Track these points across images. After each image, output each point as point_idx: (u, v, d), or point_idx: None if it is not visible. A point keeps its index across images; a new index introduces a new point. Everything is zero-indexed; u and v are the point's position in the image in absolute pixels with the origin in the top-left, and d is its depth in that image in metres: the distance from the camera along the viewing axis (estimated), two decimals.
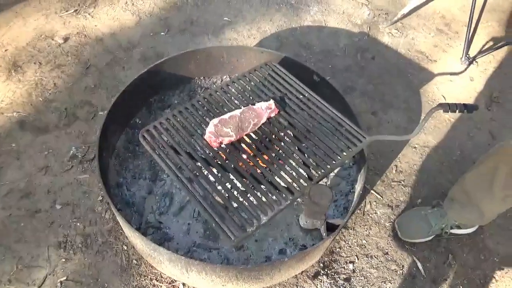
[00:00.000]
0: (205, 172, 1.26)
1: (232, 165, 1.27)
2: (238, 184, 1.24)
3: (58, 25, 2.18)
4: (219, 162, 1.26)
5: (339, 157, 1.29)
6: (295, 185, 1.22)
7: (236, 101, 1.44)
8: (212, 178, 1.25)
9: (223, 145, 1.30)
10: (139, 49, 2.11)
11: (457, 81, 2.17)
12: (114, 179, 1.55)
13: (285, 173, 1.25)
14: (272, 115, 1.38)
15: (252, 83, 1.50)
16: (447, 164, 1.82)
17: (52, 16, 2.22)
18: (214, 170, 1.26)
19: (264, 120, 1.36)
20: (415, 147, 1.87)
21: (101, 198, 1.59)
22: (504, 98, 2.09)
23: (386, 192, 1.72)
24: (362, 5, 2.49)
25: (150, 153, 1.26)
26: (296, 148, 1.32)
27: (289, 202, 1.18)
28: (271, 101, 1.40)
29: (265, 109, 1.38)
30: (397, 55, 2.26)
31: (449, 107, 1.23)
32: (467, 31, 2.21)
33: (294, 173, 1.25)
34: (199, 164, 1.27)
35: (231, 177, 1.24)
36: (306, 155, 1.32)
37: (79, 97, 1.90)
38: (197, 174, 1.25)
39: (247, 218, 1.13)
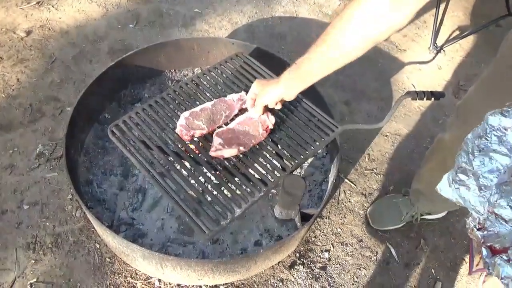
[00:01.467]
0: (177, 166, 1.24)
1: (205, 158, 1.25)
2: (212, 177, 1.23)
3: (19, 18, 2.09)
4: (191, 156, 1.25)
5: (312, 147, 1.30)
6: (269, 176, 1.22)
7: (207, 94, 1.42)
8: (184, 172, 1.23)
9: (195, 138, 1.28)
10: (107, 41, 2.05)
11: (426, 69, 2.22)
12: (84, 176, 1.51)
13: (259, 165, 1.25)
14: (244, 106, 1.37)
15: (223, 75, 1.48)
16: (417, 151, 1.86)
17: (13, 9, 2.12)
18: (187, 164, 1.24)
19: (236, 112, 1.35)
20: (386, 135, 1.90)
21: (71, 196, 1.54)
22: (470, 85, 2.15)
23: (360, 180, 1.74)
24: None
25: (120, 149, 1.23)
26: (269, 139, 1.32)
27: (262, 193, 1.18)
28: (242, 93, 1.38)
29: (237, 100, 1.36)
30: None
31: (417, 95, 1.25)
32: (434, 21, 2.25)
33: (267, 165, 1.25)
34: (171, 158, 1.25)
35: (204, 170, 1.23)
36: (279, 146, 1.31)
37: (44, 93, 1.83)
38: (169, 168, 1.23)
39: (221, 212, 1.12)
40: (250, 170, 1.23)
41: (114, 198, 1.48)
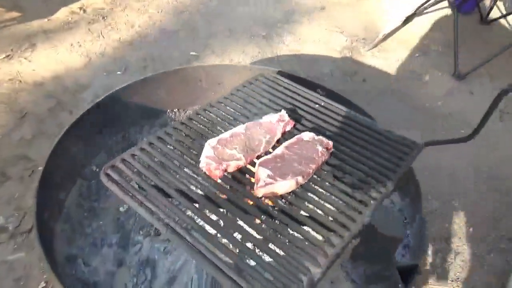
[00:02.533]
0: (211, 216, 0.83)
1: (248, 200, 0.86)
2: (264, 226, 0.82)
3: None
4: (228, 199, 0.85)
5: (392, 171, 0.93)
6: (347, 215, 0.82)
7: (233, 118, 1.07)
8: (221, 222, 0.83)
9: (227, 174, 0.90)
10: (91, 90, 1.71)
11: (457, 95, 1.97)
12: (64, 252, 1.06)
13: (326, 201, 0.86)
14: (288, 128, 1.02)
15: (250, 96, 1.14)
16: None
17: None
18: (223, 211, 0.84)
19: (278, 136, 0.99)
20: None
21: (44, 284, 1.07)
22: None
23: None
24: (336, 33, 2.31)
25: (120, 197, 0.83)
26: (329, 166, 0.94)
27: (346, 241, 0.78)
28: (283, 112, 1.04)
29: (277, 122, 1.01)
30: (388, 76, 2.04)
31: None
32: (455, 47, 2.08)
33: (338, 200, 0.86)
34: (198, 205, 0.85)
35: (251, 216, 0.83)
36: (345, 172, 0.94)
37: (11, 152, 1.43)
38: (198, 219, 0.83)
39: (291, 276, 0.71)
40: (317, 210, 0.84)
41: (110, 279, 1.02)
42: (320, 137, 0.97)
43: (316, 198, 0.86)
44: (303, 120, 1.07)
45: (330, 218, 0.83)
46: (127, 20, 2.16)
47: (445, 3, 2.62)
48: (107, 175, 0.88)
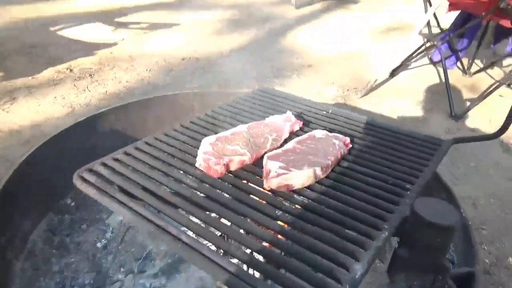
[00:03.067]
0: (223, 220, 0.66)
1: (260, 198, 0.69)
2: (282, 224, 0.65)
3: None
4: (236, 198, 0.69)
5: (422, 168, 0.79)
6: (383, 206, 0.66)
7: (232, 122, 0.94)
8: (228, 226, 0.65)
9: (229, 174, 0.74)
10: None
11: (458, 133, 1.90)
12: None
13: (353, 196, 0.70)
14: (296, 128, 0.89)
15: (246, 106, 1.03)
16: None
17: None
18: (229, 214, 0.67)
19: (286, 134, 0.86)
20: None
21: None
22: None
23: None
24: (327, 85, 2.31)
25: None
26: (351, 167, 0.80)
27: (387, 232, 0.61)
28: (289, 112, 0.92)
29: (283, 121, 0.89)
30: (387, 119, 1.98)
31: None
32: (448, 92, 2.09)
33: (367, 195, 0.71)
34: (195, 205, 0.68)
35: (268, 213, 0.66)
36: (371, 170, 0.79)
37: None
38: (207, 225, 0.65)
39: (332, 273, 0.53)
40: (344, 205, 0.68)
41: None
42: (335, 133, 0.84)
43: (340, 194, 0.70)
44: (311, 124, 0.95)
45: (361, 213, 0.66)
46: (115, 77, 2.12)
47: (426, 60, 2.73)
48: (82, 178, 0.71)
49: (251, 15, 3.61)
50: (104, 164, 0.75)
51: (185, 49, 2.59)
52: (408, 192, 0.70)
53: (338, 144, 0.79)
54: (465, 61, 2.60)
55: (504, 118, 0.84)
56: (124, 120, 1.23)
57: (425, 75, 2.56)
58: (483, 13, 1.99)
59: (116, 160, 0.77)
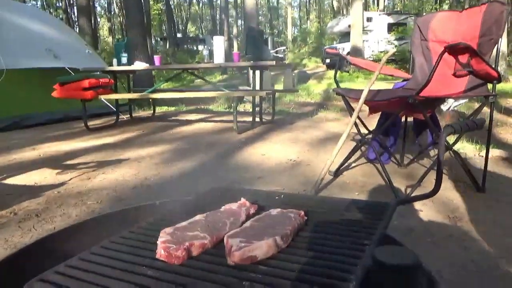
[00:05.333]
0: None
1: (225, 276, 0.67)
2: None
3: None
4: (206, 280, 0.66)
5: (379, 224, 0.83)
6: (344, 266, 0.68)
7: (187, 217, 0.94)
8: None
9: (191, 259, 0.73)
10: None
11: (409, 212, 2.00)
12: None
13: (315, 258, 0.71)
14: (252, 211, 0.92)
15: (200, 202, 1.05)
16: None
17: None
18: None
19: (243, 218, 0.88)
20: None
21: None
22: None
23: None
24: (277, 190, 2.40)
25: None
26: (312, 236, 0.82)
27: (355, 281, 0.61)
28: (242, 199, 0.95)
29: (238, 207, 0.92)
30: None
31: (460, 128, 1.00)
32: (388, 181, 2.24)
33: (327, 255, 0.72)
34: None
35: None
36: (327, 239, 0.81)
37: None
38: None
39: None
40: (308, 267, 0.68)
41: None
42: (290, 209, 0.88)
43: (305, 258, 0.71)
44: (266, 208, 0.98)
45: (328, 270, 0.67)
46: (63, 213, 2.06)
47: (363, 159, 2.99)
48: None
49: (197, 143, 3.83)
50: (58, 272, 0.71)
51: (135, 179, 2.63)
52: (367, 247, 0.73)
53: (293, 216, 0.82)
54: (397, 155, 2.88)
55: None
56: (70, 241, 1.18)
57: (365, 171, 2.77)
58: (397, 111, 2.30)
59: (71, 266, 0.73)
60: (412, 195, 2.22)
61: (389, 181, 2.25)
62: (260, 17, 35.22)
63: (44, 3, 30.20)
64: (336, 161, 2.66)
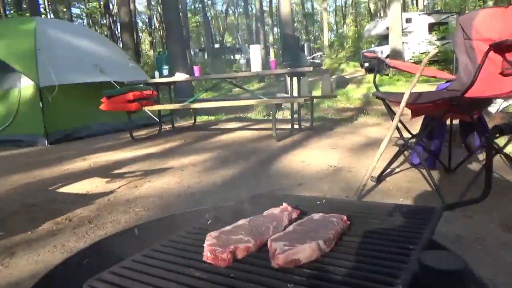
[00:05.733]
0: None
1: (268, 278, 0.69)
2: None
3: None
4: (252, 281, 0.69)
5: (424, 229, 0.82)
6: (388, 270, 0.68)
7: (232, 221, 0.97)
8: None
9: (236, 262, 0.76)
10: None
11: (457, 218, 1.93)
12: None
13: (358, 261, 0.71)
14: (294, 216, 0.93)
15: (243, 208, 1.08)
16: None
17: None
18: None
19: (286, 222, 0.90)
20: None
21: None
22: None
23: None
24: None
25: None
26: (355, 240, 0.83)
27: (401, 286, 0.61)
28: (284, 204, 0.97)
29: (280, 211, 0.94)
30: None
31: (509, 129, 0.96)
32: (433, 186, 2.18)
33: (372, 259, 0.72)
34: None
35: None
36: (371, 241, 0.81)
37: None
38: None
39: None
40: (353, 271, 0.69)
41: None
42: (332, 214, 0.89)
43: (349, 262, 0.72)
44: (308, 213, 0.99)
45: (373, 274, 0.67)
46: (113, 220, 2.17)
47: (407, 164, 2.91)
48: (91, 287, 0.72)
49: (237, 151, 3.89)
50: (113, 273, 0.76)
51: (179, 187, 2.71)
52: (412, 251, 0.72)
53: (336, 221, 0.83)
54: (443, 160, 2.77)
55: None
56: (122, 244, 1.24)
57: (410, 176, 2.69)
58: (441, 113, 2.23)
59: (125, 267, 0.78)
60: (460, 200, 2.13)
61: (435, 187, 2.18)
62: (295, 24, 35.28)
63: (90, 21, 31.91)
64: (379, 166, 2.61)
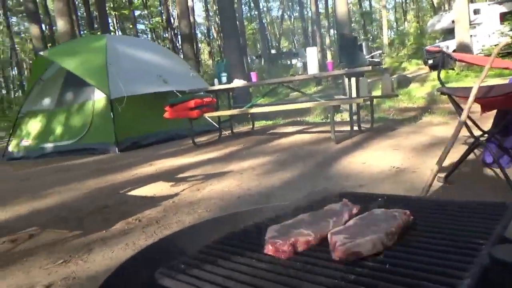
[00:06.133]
0: None
1: (330, 271, 0.69)
2: None
3: (40, 277, 1.75)
4: (314, 273, 0.70)
5: (496, 225, 0.77)
6: (457, 264, 0.65)
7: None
8: None
9: (297, 255, 0.76)
10: None
11: None
12: None
13: (427, 256, 0.69)
14: (354, 211, 0.92)
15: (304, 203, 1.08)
16: None
17: (35, 272, 1.81)
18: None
19: (346, 217, 0.89)
20: None
21: None
22: None
23: None
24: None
25: None
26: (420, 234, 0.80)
27: (470, 279, 0.58)
28: (344, 200, 0.96)
29: (342, 205, 0.93)
30: None
31: None
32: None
33: (440, 254, 0.69)
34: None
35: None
36: (435, 239, 0.78)
37: None
38: None
39: None
40: (419, 265, 0.66)
41: None
42: (394, 209, 0.87)
43: (413, 256, 0.70)
44: (369, 208, 0.97)
45: (440, 268, 0.64)
46: (179, 220, 2.28)
47: (479, 164, 2.72)
48: (164, 274, 0.77)
49: (295, 154, 3.88)
50: (182, 262, 0.80)
51: (239, 190, 2.77)
52: (483, 246, 0.68)
53: (398, 215, 0.81)
54: None
55: None
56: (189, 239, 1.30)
57: (482, 177, 2.51)
58: None
59: (193, 258, 0.82)
60: None
61: (510, 186, 2.02)
62: (352, 24, 34.45)
63: (153, 36, 33.76)
64: (447, 166, 2.47)
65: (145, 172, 3.85)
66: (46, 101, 6.71)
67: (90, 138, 5.92)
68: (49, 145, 6.33)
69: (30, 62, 28.39)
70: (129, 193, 3.04)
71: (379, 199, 1.18)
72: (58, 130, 6.35)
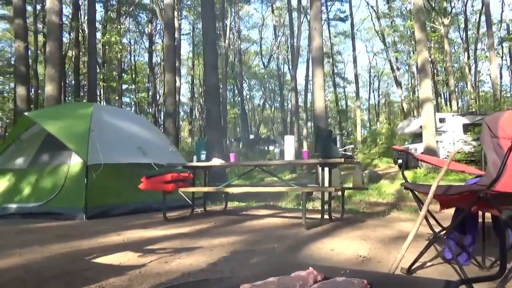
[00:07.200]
0: None
1: None
2: None
3: None
4: None
5: None
6: None
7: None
8: None
9: None
10: None
11: None
12: None
13: None
14: (319, 278, 1.01)
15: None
16: None
17: None
18: None
19: (311, 282, 0.98)
20: None
21: None
22: None
23: None
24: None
25: None
26: None
27: None
28: (310, 268, 1.05)
29: (307, 274, 1.02)
30: None
31: None
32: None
33: None
34: None
35: None
36: None
37: None
38: None
39: None
40: None
41: None
42: (354, 278, 0.96)
43: None
44: (332, 277, 1.06)
45: None
46: None
47: (439, 259, 2.85)
48: None
49: (266, 236, 3.92)
50: None
51: (207, 265, 2.76)
52: None
53: (357, 283, 0.91)
54: (478, 257, 2.70)
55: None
56: None
57: (441, 271, 2.62)
58: (469, 206, 2.26)
59: None
60: None
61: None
62: (329, 120, 36.57)
63: (137, 109, 34.58)
64: (409, 258, 2.58)
65: (113, 241, 3.76)
66: (19, 160, 6.63)
67: (58, 201, 5.77)
68: (12, 206, 6.11)
69: (7, 121, 28.19)
70: (94, 260, 2.96)
71: (342, 272, 1.28)
72: (26, 190, 6.19)
